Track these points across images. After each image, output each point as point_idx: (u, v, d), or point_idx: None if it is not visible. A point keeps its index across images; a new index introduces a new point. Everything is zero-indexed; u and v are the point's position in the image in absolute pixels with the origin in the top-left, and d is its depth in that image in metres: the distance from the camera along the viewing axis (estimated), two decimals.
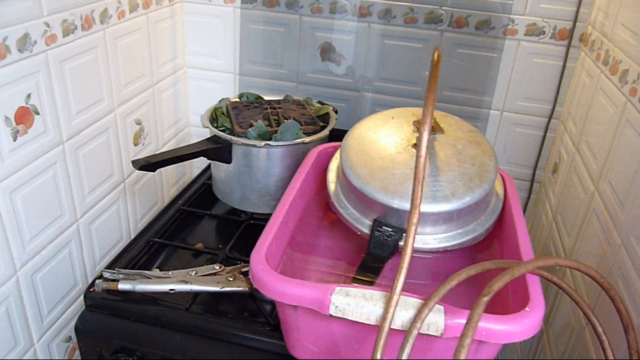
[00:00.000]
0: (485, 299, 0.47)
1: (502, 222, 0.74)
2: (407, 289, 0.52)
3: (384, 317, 0.51)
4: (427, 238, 0.70)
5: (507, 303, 0.62)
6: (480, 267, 0.54)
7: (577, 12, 1.02)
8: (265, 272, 0.56)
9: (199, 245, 0.90)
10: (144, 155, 0.88)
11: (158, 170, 1.20)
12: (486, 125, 1.16)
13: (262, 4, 1.17)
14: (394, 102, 1.19)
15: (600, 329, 0.59)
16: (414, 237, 0.52)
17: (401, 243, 0.69)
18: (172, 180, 1.30)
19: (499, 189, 0.77)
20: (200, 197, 1.06)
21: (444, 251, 0.71)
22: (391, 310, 0.51)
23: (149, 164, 0.81)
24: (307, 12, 1.15)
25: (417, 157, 0.52)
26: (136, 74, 1.07)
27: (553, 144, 1.15)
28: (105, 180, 1.00)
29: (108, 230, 1.04)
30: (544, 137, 1.14)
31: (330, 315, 0.54)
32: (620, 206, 0.74)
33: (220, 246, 0.91)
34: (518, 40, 1.08)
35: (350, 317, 0.53)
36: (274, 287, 0.55)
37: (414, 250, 0.70)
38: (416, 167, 0.52)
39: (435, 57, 0.57)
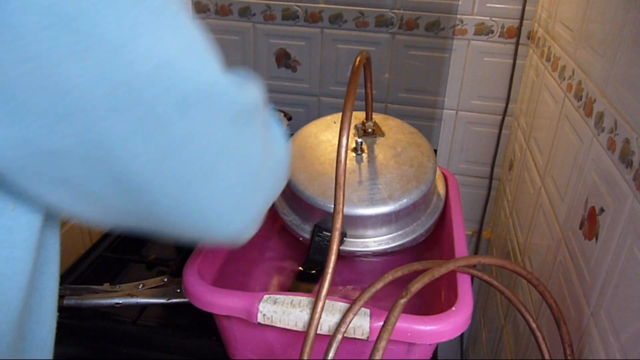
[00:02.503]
0: (402, 301, 0.47)
1: (444, 221, 0.75)
2: (354, 293, 0.53)
3: (309, 323, 0.51)
4: (367, 241, 0.70)
5: (440, 302, 0.63)
6: (407, 268, 0.55)
7: (523, 10, 1.04)
8: (195, 284, 0.56)
9: (152, 257, 0.90)
10: None
11: None
12: (442, 126, 1.17)
13: (214, 12, 1.17)
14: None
15: (534, 325, 0.60)
16: (339, 242, 0.53)
17: (343, 247, 0.70)
18: None
19: (441, 188, 0.77)
20: None
21: (389, 253, 0.71)
22: (316, 316, 0.51)
23: None
24: (260, 20, 1.16)
25: (337, 162, 0.53)
26: None
27: (509, 141, 1.16)
28: None
29: (65, 245, 1.03)
30: (499, 134, 1.15)
31: (259, 324, 0.54)
32: (561, 200, 0.75)
33: (174, 257, 0.91)
34: (468, 39, 1.09)
35: (278, 325, 0.53)
36: (204, 299, 0.55)
37: (357, 254, 0.71)
38: (336, 172, 0.53)
39: (357, 62, 0.58)
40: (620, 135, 0.56)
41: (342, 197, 0.53)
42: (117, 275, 0.87)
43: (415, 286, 0.48)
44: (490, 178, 1.19)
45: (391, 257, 0.75)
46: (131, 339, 0.74)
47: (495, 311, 1.10)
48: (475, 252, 1.28)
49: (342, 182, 0.53)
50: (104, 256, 0.89)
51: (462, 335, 1.36)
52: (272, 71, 1.20)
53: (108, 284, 0.82)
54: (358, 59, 0.59)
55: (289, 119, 1.04)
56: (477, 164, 1.20)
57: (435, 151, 1.18)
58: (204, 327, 0.76)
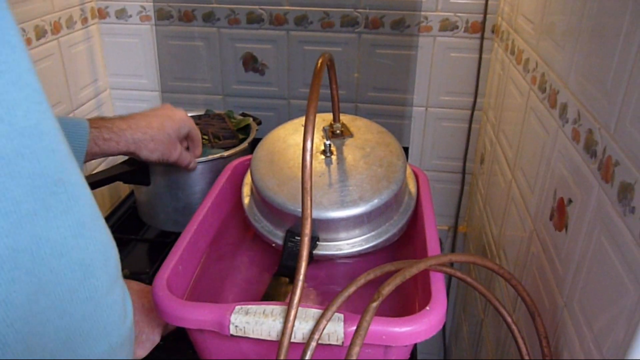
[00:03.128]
0: (374, 304, 0.47)
1: (416, 219, 0.74)
2: (330, 298, 0.52)
3: (283, 332, 0.50)
4: (340, 244, 0.69)
5: (416, 301, 0.62)
6: (379, 270, 0.54)
7: (487, 4, 1.04)
8: (164, 298, 0.55)
9: (125, 272, 0.88)
10: None
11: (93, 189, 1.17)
12: (413, 123, 1.17)
13: (178, 19, 1.15)
14: (321, 107, 1.18)
15: (509, 319, 0.60)
16: (309, 248, 0.52)
17: (316, 252, 0.69)
18: (108, 204, 1.27)
19: (412, 187, 0.77)
20: (127, 221, 1.03)
21: (363, 254, 0.71)
22: (289, 325, 0.50)
23: None
24: (224, 24, 1.14)
25: (302, 167, 0.52)
26: (51, 102, 1.03)
27: (479, 135, 1.17)
28: None
29: None
30: (470, 129, 1.16)
31: (232, 335, 0.53)
32: (531, 192, 0.75)
33: (147, 270, 0.89)
34: (433, 36, 1.09)
35: (251, 335, 0.52)
36: (174, 313, 0.54)
37: (331, 257, 0.70)
38: (302, 177, 0.52)
39: (318, 65, 0.57)
40: (584, 126, 0.57)
41: (309, 201, 0.52)
42: None
43: (387, 288, 0.47)
44: (463, 173, 1.20)
45: (366, 257, 0.74)
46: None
47: (474, 305, 1.10)
48: (452, 247, 1.29)
49: (308, 186, 0.52)
50: None
51: (443, 331, 1.36)
52: (239, 75, 1.19)
53: None
54: (320, 62, 0.58)
55: (259, 123, 1.03)
56: (450, 159, 1.20)
57: (407, 149, 1.18)
58: (180, 339, 0.74)
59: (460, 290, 1.29)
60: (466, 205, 1.24)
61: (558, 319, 0.59)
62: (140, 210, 0.98)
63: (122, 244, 0.97)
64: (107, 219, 1.05)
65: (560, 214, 0.62)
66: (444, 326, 0.78)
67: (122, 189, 1.31)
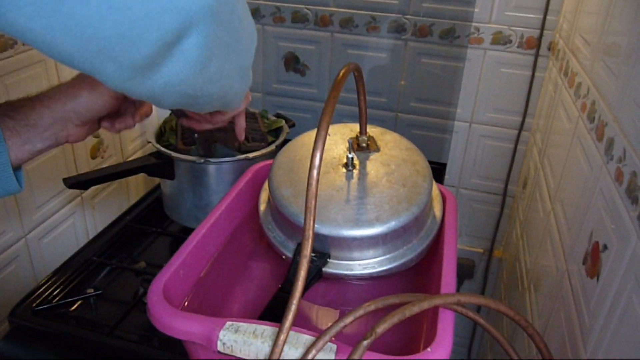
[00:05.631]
0: (365, 342, 0.43)
1: (437, 245, 0.70)
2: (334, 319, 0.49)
3: (270, 356, 0.47)
4: (352, 264, 0.66)
5: (420, 336, 0.58)
6: (381, 302, 0.51)
7: (544, 20, 0.97)
8: (156, 303, 0.53)
9: (141, 265, 0.88)
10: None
11: (124, 180, 1.18)
12: (454, 138, 1.11)
13: None
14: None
15: None
16: (306, 271, 0.48)
17: (326, 269, 0.66)
18: (141, 192, 1.28)
19: (437, 210, 0.72)
20: (152, 212, 1.03)
21: (375, 277, 0.67)
22: (277, 350, 0.47)
23: (80, 182, 0.79)
24: (269, 22, 1.12)
25: (308, 185, 0.49)
26: None
27: (524, 157, 1.10)
28: (57, 195, 0.98)
29: (62, 245, 1.02)
30: (515, 149, 1.09)
31: (219, 352, 0.50)
32: (568, 229, 0.69)
33: (164, 265, 0.88)
34: (484, 49, 1.03)
35: (238, 355, 0.50)
36: (164, 321, 0.52)
37: (341, 277, 0.67)
38: (307, 195, 0.49)
39: (340, 75, 0.54)
40: (629, 167, 0.51)
41: (312, 221, 0.49)
42: (105, 280, 0.85)
43: (382, 327, 0.44)
44: (504, 195, 1.13)
45: (379, 280, 0.70)
46: (106, 352, 0.71)
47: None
48: (486, 272, 1.22)
49: (312, 205, 0.49)
50: (91, 260, 0.87)
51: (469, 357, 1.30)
52: (280, 75, 1.16)
53: (93, 289, 0.81)
54: (342, 72, 0.55)
55: (292, 125, 1.01)
56: (490, 179, 1.14)
57: (445, 165, 1.12)
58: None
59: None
60: (504, 229, 1.18)
61: None
62: (165, 204, 0.97)
63: (144, 235, 0.97)
64: (134, 207, 1.06)
65: (593, 260, 0.56)
66: None
67: (155, 179, 1.32)
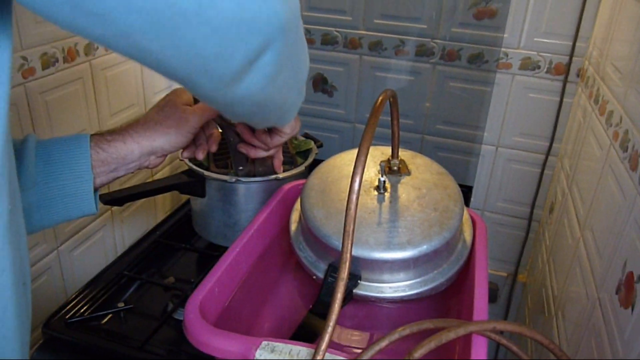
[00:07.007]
0: None
1: (468, 269, 0.70)
2: (368, 341, 0.49)
3: None
4: (383, 287, 0.66)
5: None
6: (416, 326, 0.51)
7: (574, 46, 0.98)
8: (194, 321, 0.54)
9: (170, 280, 0.89)
10: (134, 184, 0.89)
11: (152, 197, 1.20)
12: (480, 161, 1.12)
13: None
14: (387, 134, 1.16)
15: None
16: (343, 294, 0.49)
17: (356, 291, 0.66)
18: (168, 207, 1.30)
19: (467, 234, 0.73)
20: (180, 228, 1.05)
21: (405, 301, 0.68)
22: None
23: (115, 199, 0.81)
24: None
25: (347, 208, 0.50)
26: (125, 103, 1.07)
27: (551, 182, 1.10)
28: None
29: (91, 258, 1.04)
30: (542, 174, 1.09)
31: None
32: (599, 258, 0.69)
33: (192, 280, 0.90)
34: (512, 74, 1.04)
35: None
36: (201, 339, 0.53)
37: (372, 299, 0.67)
38: (345, 219, 0.50)
39: (378, 101, 0.55)
40: None
41: (350, 244, 0.50)
42: (134, 294, 0.87)
43: (419, 352, 0.44)
44: (530, 219, 1.13)
45: (409, 303, 0.71)
46: None
47: None
48: (509, 296, 1.21)
49: (350, 229, 0.50)
50: (122, 274, 0.89)
51: None
52: (308, 95, 1.18)
53: (124, 303, 0.82)
54: (380, 98, 0.56)
55: (320, 146, 1.02)
56: (516, 203, 1.13)
57: (471, 188, 1.12)
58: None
59: None
60: (529, 254, 1.17)
61: None
62: (194, 220, 0.99)
63: (173, 250, 0.99)
64: (163, 223, 1.08)
65: (628, 290, 0.56)
66: None
67: (183, 195, 1.34)
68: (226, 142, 0.81)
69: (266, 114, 0.51)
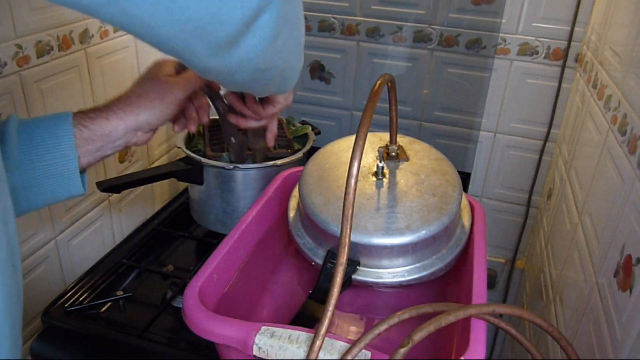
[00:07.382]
0: (403, 350, 0.44)
1: (466, 255, 0.70)
2: (366, 326, 0.49)
3: None
4: (382, 272, 0.66)
5: (452, 345, 0.58)
6: (415, 310, 0.51)
7: (572, 31, 0.98)
8: (194, 308, 0.54)
9: (169, 268, 0.89)
10: (132, 172, 0.89)
11: (149, 185, 1.19)
12: (478, 148, 1.12)
13: None
14: (384, 121, 1.15)
15: None
16: (342, 279, 0.49)
17: (355, 276, 0.66)
18: (166, 195, 1.30)
19: (466, 220, 0.73)
20: (178, 216, 1.05)
21: (404, 286, 0.68)
22: (312, 356, 0.48)
23: (112, 186, 0.81)
24: None
25: (345, 193, 0.50)
26: (121, 91, 1.07)
27: (549, 168, 1.10)
28: (87, 197, 1.00)
29: (89, 247, 1.04)
30: (540, 160, 1.09)
31: (254, 356, 0.51)
32: (597, 242, 0.69)
33: (191, 268, 0.90)
34: (510, 60, 1.03)
35: (273, 359, 0.51)
36: (201, 325, 0.53)
37: (370, 285, 0.68)
38: (344, 203, 0.50)
39: (376, 86, 0.55)
40: None
41: (348, 229, 0.50)
42: (132, 283, 0.87)
43: (419, 335, 0.44)
44: (528, 206, 1.13)
45: (408, 288, 0.71)
46: (136, 354, 0.73)
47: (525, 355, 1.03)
48: (507, 282, 1.22)
49: (349, 214, 0.50)
50: (120, 263, 0.89)
51: None
52: (305, 82, 1.18)
53: (122, 291, 0.82)
54: (378, 83, 0.56)
55: (317, 133, 1.02)
56: (514, 189, 1.13)
57: (469, 174, 1.12)
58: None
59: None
60: (527, 240, 1.17)
61: None
62: (192, 208, 0.99)
63: (171, 238, 0.99)
64: (161, 211, 1.07)
65: (626, 273, 0.56)
66: None
67: (181, 183, 1.33)
68: (220, 123, 0.79)
69: (267, 80, 0.48)
